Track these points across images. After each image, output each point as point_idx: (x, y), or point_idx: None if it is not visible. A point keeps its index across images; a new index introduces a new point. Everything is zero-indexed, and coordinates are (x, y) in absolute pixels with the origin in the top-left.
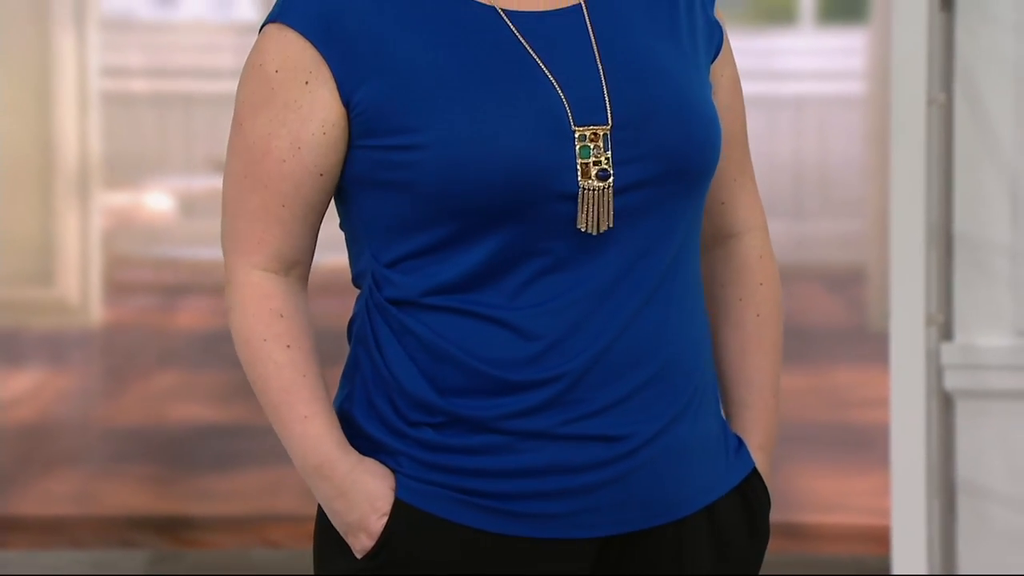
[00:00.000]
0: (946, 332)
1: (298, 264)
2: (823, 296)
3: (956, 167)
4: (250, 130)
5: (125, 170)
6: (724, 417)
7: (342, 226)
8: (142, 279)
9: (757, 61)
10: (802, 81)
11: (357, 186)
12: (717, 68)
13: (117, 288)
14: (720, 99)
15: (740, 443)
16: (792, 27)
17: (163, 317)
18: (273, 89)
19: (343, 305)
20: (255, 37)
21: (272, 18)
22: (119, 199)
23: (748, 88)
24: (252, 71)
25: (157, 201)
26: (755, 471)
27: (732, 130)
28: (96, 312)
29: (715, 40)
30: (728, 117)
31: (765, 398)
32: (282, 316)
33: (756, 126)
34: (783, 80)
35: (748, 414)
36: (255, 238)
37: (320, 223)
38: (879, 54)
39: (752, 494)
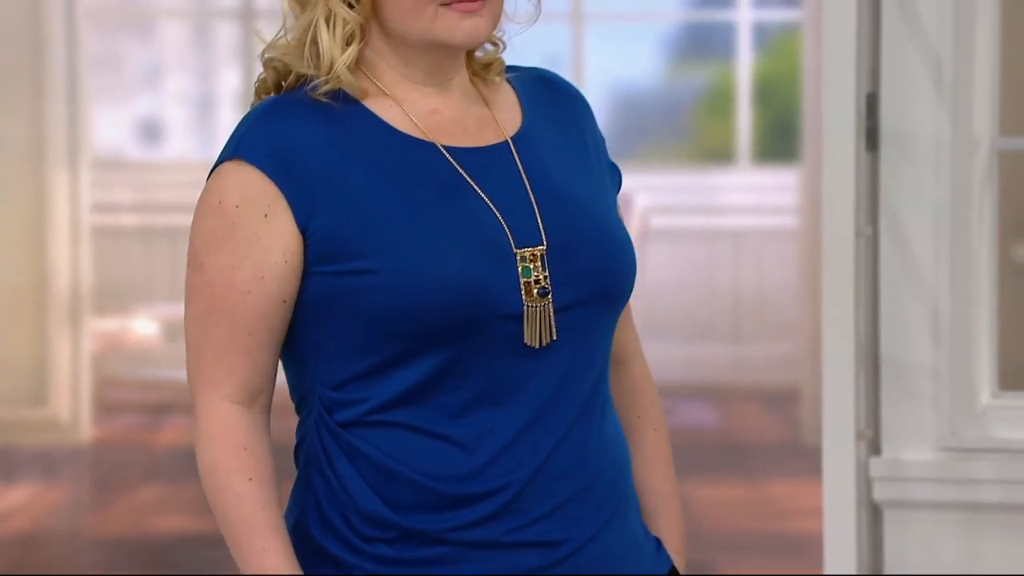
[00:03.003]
0: (874, 447)
1: (263, 392)
2: (760, 414)
3: (882, 294)
4: (213, 266)
5: (114, 298)
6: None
7: (284, 353)
8: (129, 399)
9: (698, 197)
10: (740, 215)
11: (309, 311)
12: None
13: (106, 407)
14: None
15: (659, 544)
16: (730, 166)
17: (148, 434)
18: (234, 224)
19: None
20: None
21: (228, 156)
22: (108, 325)
23: (690, 222)
24: (210, 209)
25: (144, 327)
26: (673, 569)
27: None
28: (86, 430)
29: (616, 180)
30: None
31: (674, 505)
32: (246, 449)
33: (697, 257)
34: (722, 214)
35: (662, 521)
36: (222, 370)
37: (280, 351)
38: (810, 191)
39: None
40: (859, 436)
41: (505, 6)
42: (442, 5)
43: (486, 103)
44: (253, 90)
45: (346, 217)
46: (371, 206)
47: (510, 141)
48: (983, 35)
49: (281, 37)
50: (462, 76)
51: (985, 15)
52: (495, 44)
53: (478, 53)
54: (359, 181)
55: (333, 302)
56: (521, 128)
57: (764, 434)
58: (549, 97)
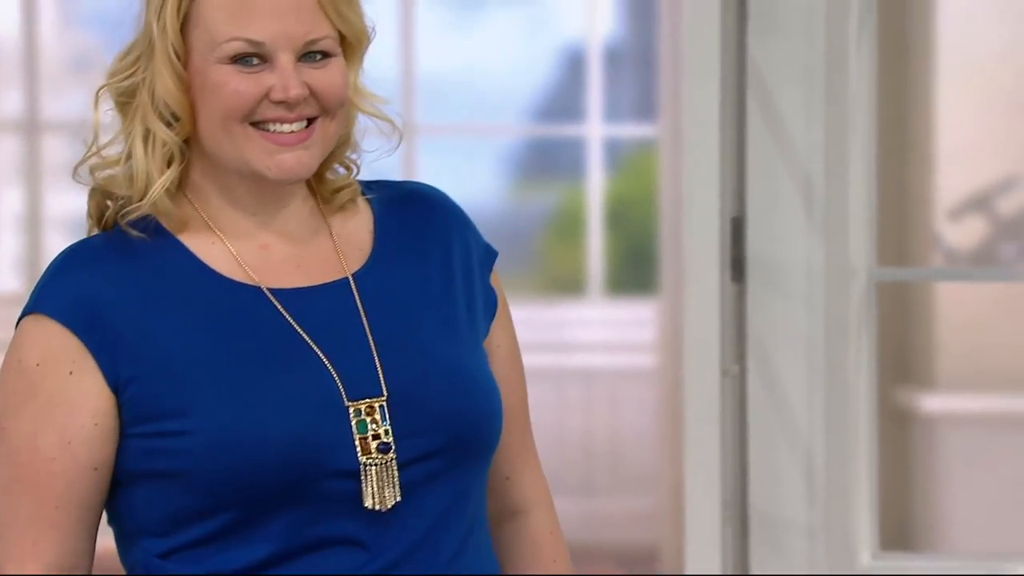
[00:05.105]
0: None
1: (76, 570)
2: None
3: (751, 441)
4: (13, 431)
5: None
6: None
7: (110, 522)
8: None
9: (546, 333)
10: (591, 353)
11: (128, 477)
12: (493, 338)
13: None
14: (497, 370)
15: None
16: (581, 297)
17: None
18: (35, 384)
19: None
20: (17, 309)
21: (28, 310)
22: None
23: (536, 360)
24: (11, 368)
25: None
26: None
27: (510, 402)
28: None
29: (491, 306)
30: (505, 390)
31: None
32: None
33: (545, 399)
34: (572, 352)
35: None
36: (27, 550)
37: (98, 524)
38: (670, 325)
39: None
40: None
41: (360, 122)
42: (252, 125)
43: (331, 233)
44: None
45: (158, 373)
46: (184, 360)
47: (351, 277)
48: (858, 153)
49: (93, 154)
50: (301, 203)
51: (859, 131)
52: (348, 168)
53: (329, 176)
54: (172, 332)
55: (151, 467)
56: (368, 260)
57: None
58: (413, 217)
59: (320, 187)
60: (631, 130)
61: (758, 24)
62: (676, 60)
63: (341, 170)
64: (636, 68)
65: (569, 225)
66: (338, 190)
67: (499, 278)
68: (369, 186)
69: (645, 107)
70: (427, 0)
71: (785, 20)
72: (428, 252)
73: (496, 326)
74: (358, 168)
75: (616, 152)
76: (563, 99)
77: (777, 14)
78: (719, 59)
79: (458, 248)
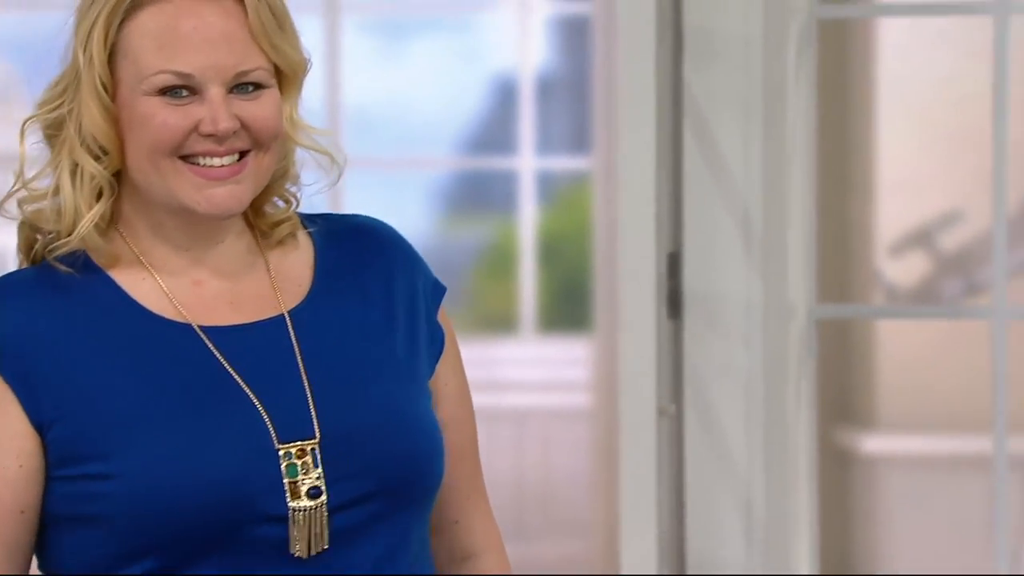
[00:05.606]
0: None
1: None
2: None
3: (688, 483)
4: None
5: None
6: None
7: (40, 566)
8: None
9: (476, 371)
10: (523, 392)
11: (54, 521)
12: (440, 377)
13: None
14: (444, 410)
15: None
16: (513, 335)
17: None
18: None
19: None
20: None
21: None
22: None
23: None
24: None
25: None
26: None
27: (459, 443)
28: None
29: (437, 344)
30: (453, 429)
31: None
32: None
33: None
34: (504, 391)
35: None
36: None
37: (29, 566)
38: (605, 364)
39: None
40: None
41: (297, 154)
42: (181, 159)
43: (268, 268)
44: None
45: (82, 413)
46: (110, 400)
47: (287, 315)
48: (796, 187)
49: (19, 188)
50: (236, 238)
51: (798, 165)
52: (287, 201)
53: (267, 209)
54: (98, 371)
55: (75, 512)
56: (306, 297)
57: None
58: (356, 252)
59: (258, 221)
60: (564, 163)
61: (694, 55)
62: (610, 91)
63: (280, 203)
64: (569, 99)
65: (500, 260)
66: (277, 224)
67: (447, 315)
68: (312, 219)
69: (579, 139)
70: (354, 29)
71: (722, 51)
72: (369, 288)
73: (443, 364)
74: (298, 201)
75: (549, 185)
76: (494, 131)
77: (714, 45)
78: (655, 90)
79: (402, 285)
